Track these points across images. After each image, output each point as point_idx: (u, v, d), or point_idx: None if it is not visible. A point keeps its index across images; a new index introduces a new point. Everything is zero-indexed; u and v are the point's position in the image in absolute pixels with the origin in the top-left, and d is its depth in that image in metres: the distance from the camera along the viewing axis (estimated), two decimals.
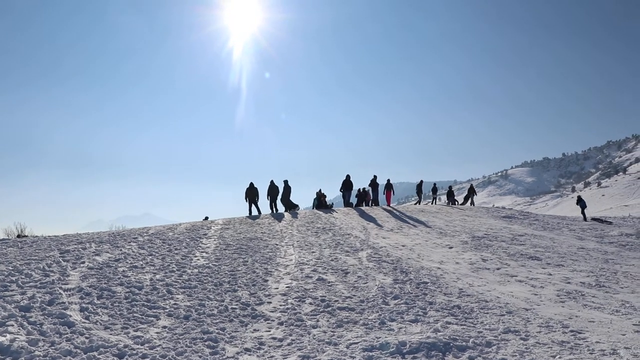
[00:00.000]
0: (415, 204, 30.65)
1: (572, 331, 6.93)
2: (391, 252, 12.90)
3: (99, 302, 7.32)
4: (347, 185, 24.37)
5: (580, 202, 26.92)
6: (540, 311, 8.06)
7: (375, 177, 25.35)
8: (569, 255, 14.06)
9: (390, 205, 22.42)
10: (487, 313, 7.77)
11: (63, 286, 7.86)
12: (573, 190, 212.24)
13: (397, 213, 22.13)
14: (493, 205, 49.29)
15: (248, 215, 20.24)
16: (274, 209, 21.50)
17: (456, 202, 31.51)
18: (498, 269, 11.76)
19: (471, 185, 33.09)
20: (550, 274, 11.38)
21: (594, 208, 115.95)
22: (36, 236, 12.49)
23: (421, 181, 30.41)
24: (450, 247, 14.39)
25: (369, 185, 25.42)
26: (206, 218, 22.23)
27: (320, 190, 24.37)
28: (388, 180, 25.88)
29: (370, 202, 26.00)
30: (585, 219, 26.10)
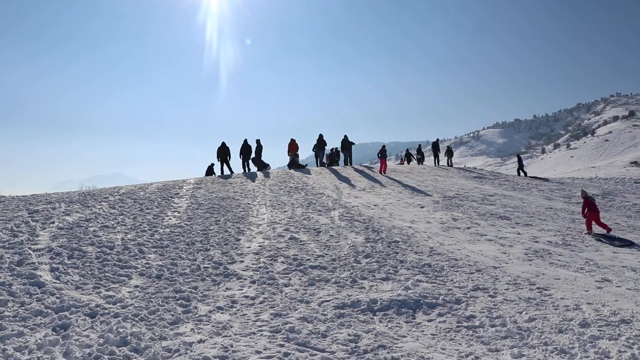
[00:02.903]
0: (419, 162, 31.15)
1: (538, 288, 7.20)
2: (363, 211, 13.04)
3: (69, 262, 7.25)
4: (320, 144, 24.40)
5: (519, 161, 29.27)
6: (508, 269, 8.32)
7: (346, 136, 25.34)
8: (537, 215, 14.45)
9: (385, 172, 22.46)
10: (457, 271, 7.98)
11: (32, 246, 7.76)
12: (543, 151, 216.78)
13: (370, 173, 22.25)
14: (464, 166, 50.06)
15: (220, 174, 20.16)
16: (247, 168, 21.46)
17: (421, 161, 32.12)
18: (468, 228, 12.02)
19: (448, 147, 33.60)
20: (519, 233, 11.70)
21: (563, 169, 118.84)
22: (3, 196, 12.18)
23: (437, 140, 30.63)
24: (422, 207, 14.60)
25: (341, 144, 25.42)
26: (211, 166, 21.79)
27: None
28: (383, 147, 25.61)
29: (340, 162, 26.12)
30: (523, 175, 28.40)
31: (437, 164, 29.97)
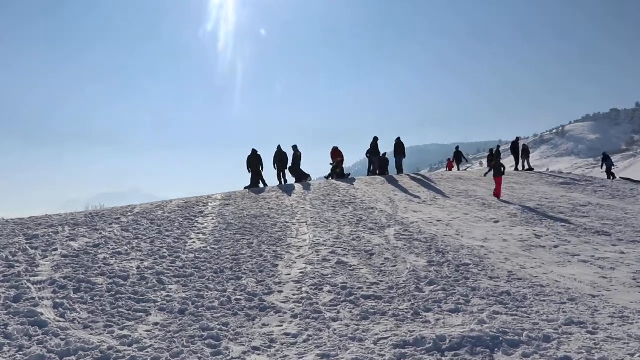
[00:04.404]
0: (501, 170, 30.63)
1: None
2: (424, 228, 12.92)
3: (76, 296, 7.37)
4: (374, 149, 24.50)
5: (607, 160, 28.31)
6: (611, 298, 7.99)
7: (399, 139, 25.33)
8: None
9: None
10: (544, 301, 7.73)
11: (32, 278, 7.91)
12: None
13: (430, 181, 22.07)
14: (547, 169, 48.86)
15: (250, 187, 20.36)
16: (282, 179, 21.60)
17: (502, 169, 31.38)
18: (556, 247, 11.70)
19: (524, 145, 32.64)
20: (623, 253, 11.25)
21: None
22: None
23: (517, 138, 30.00)
24: (496, 221, 14.34)
25: (394, 148, 25.34)
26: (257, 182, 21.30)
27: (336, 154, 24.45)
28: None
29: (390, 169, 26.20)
30: (611, 177, 27.52)
31: (519, 168, 29.21)
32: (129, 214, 13.33)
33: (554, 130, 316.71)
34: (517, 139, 29.95)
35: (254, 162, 21.02)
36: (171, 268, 8.95)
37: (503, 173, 19.02)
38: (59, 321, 6.49)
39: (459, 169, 31.73)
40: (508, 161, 28.85)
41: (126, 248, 10.04)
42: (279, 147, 21.76)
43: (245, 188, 20.15)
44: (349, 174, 25.33)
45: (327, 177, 23.74)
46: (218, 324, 6.70)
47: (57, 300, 7.11)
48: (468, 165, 33.77)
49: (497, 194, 18.63)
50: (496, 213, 15.59)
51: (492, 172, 19.34)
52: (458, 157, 32.19)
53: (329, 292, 8.04)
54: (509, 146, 32.37)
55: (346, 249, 10.70)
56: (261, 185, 20.96)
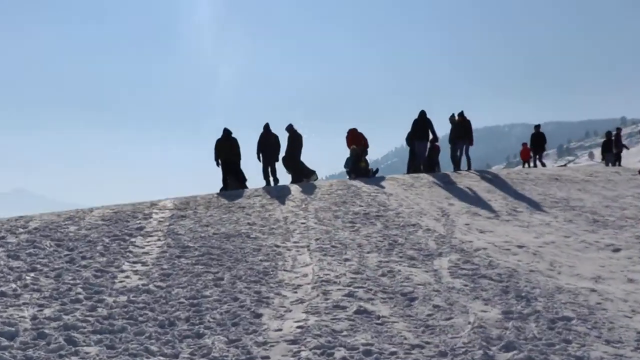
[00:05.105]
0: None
1: None
2: (497, 258, 12.79)
3: None
4: (421, 130, 24.18)
5: None
6: None
7: (461, 114, 25.14)
8: None
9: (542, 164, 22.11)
10: None
11: None
12: None
13: (507, 183, 21.86)
14: None
15: (221, 189, 20.55)
16: (272, 178, 21.72)
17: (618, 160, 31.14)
18: None
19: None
20: None
21: None
22: None
23: None
24: (616, 249, 14.14)
25: (451, 132, 25.18)
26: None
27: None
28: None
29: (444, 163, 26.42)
30: None
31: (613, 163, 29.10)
32: (21, 230, 13.30)
33: None
34: None
35: (226, 149, 21.06)
36: (89, 319, 8.69)
37: None
38: None
39: (542, 162, 31.51)
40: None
41: (14, 286, 9.88)
42: (266, 127, 21.85)
43: (221, 191, 20.25)
44: (376, 170, 25.21)
45: (349, 174, 23.69)
46: None
47: None
48: (569, 158, 33.59)
49: None
50: (616, 236, 15.34)
51: None
52: (538, 142, 32.15)
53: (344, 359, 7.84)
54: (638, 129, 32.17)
55: (371, 289, 10.51)
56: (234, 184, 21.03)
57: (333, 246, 13.21)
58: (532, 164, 32.34)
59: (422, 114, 24.26)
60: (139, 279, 10.70)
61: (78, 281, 10.31)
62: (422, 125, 24.18)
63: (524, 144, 36.09)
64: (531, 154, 33.11)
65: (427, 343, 8.36)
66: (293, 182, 21.62)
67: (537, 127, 32.52)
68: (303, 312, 9.40)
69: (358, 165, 23.53)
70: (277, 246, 13.09)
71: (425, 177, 22.36)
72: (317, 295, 10.20)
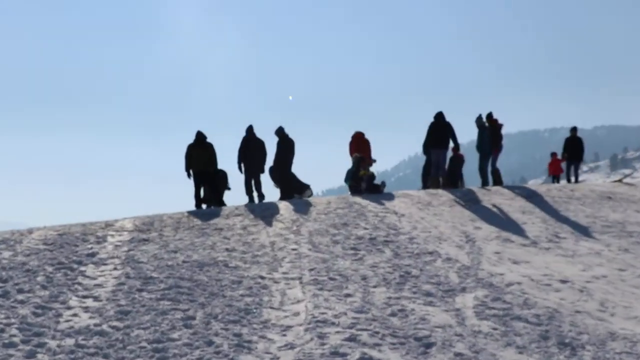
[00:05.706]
0: None
1: None
2: (534, 295, 11.82)
3: None
4: (439, 136, 22.71)
5: None
6: None
7: (491, 115, 23.83)
8: None
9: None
10: None
11: None
12: None
13: (546, 202, 20.86)
14: None
15: (195, 206, 19.91)
16: (255, 192, 20.86)
17: None
18: None
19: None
20: None
21: None
22: None
23: None
24: None
25: (479, 137, 23.73)
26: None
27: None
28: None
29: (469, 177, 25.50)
30: None
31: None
32: None
33: None
34: None
35: (200, 157, 20.07)
36: None
37: None
38: None
39: (576, 176, 30.55)
40: None
41: None
42: (249, 129, 20.95)
43: (196, 208, 19.71)
44: (383, 184, 23.84)
45: (351, 189, 22.60)
46: None
47: None
48: (625, 171, 32.57)
49: None
50: None
51: None
52: (575, 150, 30.56)
53: None
54: None
55: (378, 332, 9.51)
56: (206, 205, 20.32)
57: (331, 278, 12.19)
58: (571, 179, 30.48)
59: (440, 116, 23.03)
60: (90, 317, 9.73)
61: (13, 320, 9.35)
62: (440, 130, 22.90)
63: (554, 154, 33.96)
64: (563, 166, 31.44)
65: None
66: (282, 198, 20.80)
67: (574, 130, 31.03)
68: None
69: (358, 175, 22.34)
70: (262, 278, 12.13)
71: (445, 194, 21.48)
72: (311, 339, 9.27)
